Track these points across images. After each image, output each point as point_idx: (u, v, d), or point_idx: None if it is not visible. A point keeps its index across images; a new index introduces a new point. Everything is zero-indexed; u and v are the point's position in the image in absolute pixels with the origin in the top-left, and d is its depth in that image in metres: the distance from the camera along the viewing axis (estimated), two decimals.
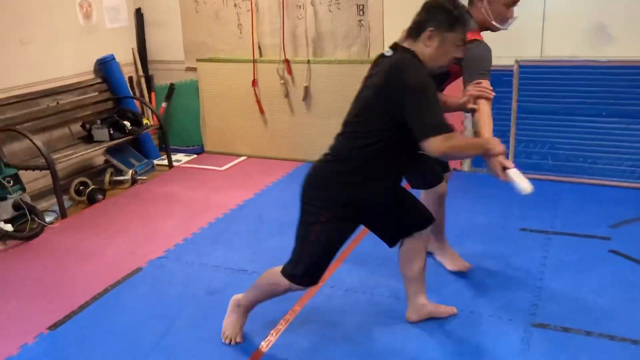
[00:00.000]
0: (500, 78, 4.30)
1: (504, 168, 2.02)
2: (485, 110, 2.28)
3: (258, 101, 5.00)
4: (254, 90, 5.00)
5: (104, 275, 3.11)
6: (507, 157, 2.05)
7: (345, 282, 2.94)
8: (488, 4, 2.47)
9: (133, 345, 2.51)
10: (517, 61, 4.18)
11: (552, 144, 4.26)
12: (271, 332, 2.54)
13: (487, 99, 2.31)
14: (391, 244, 2.40)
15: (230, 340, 2.45)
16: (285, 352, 2.42)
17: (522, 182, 1.97)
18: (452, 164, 4.53)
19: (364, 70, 2.26)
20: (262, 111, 5.05)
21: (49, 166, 3.92)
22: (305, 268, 2.17)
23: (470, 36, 2.28)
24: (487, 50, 2.42)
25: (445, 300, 2.69)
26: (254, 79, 4.98)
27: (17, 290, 3.04)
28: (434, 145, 1.95)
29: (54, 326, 2.66)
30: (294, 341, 2.48)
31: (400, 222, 2.36)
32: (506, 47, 3.98)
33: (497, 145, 2.04)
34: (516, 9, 2.54)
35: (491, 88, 2.33)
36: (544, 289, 2.79)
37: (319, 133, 4.79)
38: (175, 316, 2.71)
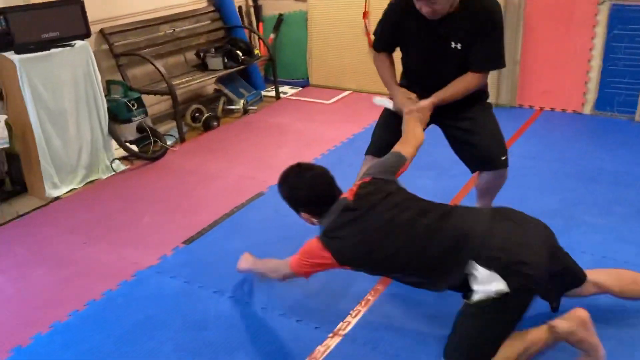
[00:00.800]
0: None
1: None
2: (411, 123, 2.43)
3: (368, 34, 4.89)
4: (365, 22, 4.89)
5: (228, 197, 3.24)
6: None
7: None
8: None
9: None
10: None
11: None
12: None
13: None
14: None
15: None
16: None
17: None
18: (572, 107, 4.32)
19: None
20: (371, 45, 4.95)
21: (171, 91, 4.06)
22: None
23: None
24: None
25: (577, 244, 2.60)
26: (366, 11, 4.87)
27: (149, 206, 3.22)
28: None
29: (188, 241, 2.83)
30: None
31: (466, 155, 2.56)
32: None
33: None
34: None
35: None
36: None
37: None
38: (300, 239, 2.78)
